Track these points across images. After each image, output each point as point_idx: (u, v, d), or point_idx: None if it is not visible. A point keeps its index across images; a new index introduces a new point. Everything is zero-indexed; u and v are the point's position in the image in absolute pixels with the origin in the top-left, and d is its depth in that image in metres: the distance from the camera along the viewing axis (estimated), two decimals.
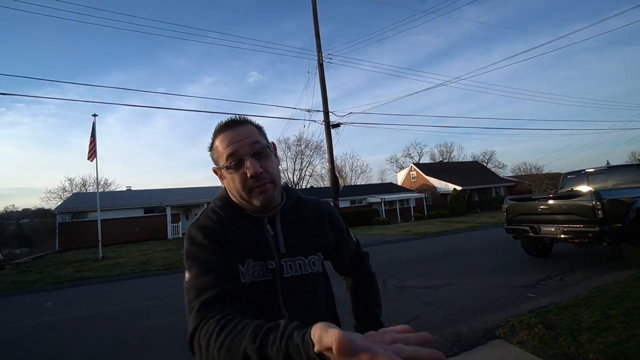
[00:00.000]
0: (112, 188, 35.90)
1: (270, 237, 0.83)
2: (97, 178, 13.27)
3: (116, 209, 20.83)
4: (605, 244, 5.27)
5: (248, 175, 0.78)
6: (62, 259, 13.37)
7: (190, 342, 0.66)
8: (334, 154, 12.77)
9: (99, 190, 17.78)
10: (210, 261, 0.76)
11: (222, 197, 0.90)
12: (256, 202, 0.80)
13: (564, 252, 6.97)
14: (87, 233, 18.84)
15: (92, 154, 12.10)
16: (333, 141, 12.62)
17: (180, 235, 20.79)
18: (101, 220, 13.12)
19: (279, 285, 0.80)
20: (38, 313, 5.49)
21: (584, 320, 3.24)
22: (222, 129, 0.83)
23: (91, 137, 12.14)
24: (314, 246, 0.90)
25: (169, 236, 20.68)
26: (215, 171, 0.88)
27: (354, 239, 1.08)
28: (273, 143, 0.88)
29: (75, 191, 31.06)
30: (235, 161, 0.79)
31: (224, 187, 0.90)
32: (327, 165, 14.93)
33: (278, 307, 0.79)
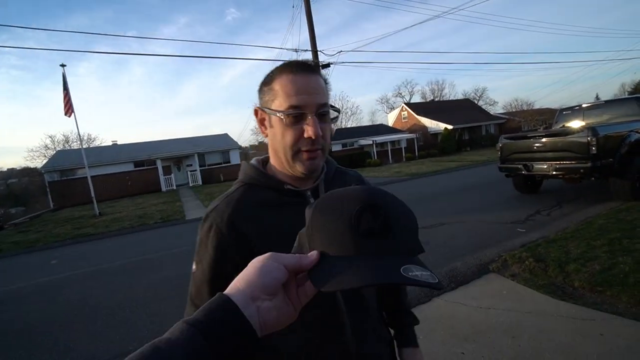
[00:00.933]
0: (97, 143, 34.77)
1: None
2: (79, 134, 12.67)
3: (105, 165, 20.42)
4: (593, 178, 5.43)
5: (305, 135, 0.68)
6: (59, 217, 13.43)
7: None
8: None
9: (84, 147, 17.17)
10: (213, 270, 0.69)
11: (252, 173, 0.76)
12: (300, 168, 0.71)
13: (552, 187, 7.22)
14: (79, 190, 18.65)
15: (69, 108, 11.36)
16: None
17: (174, 187, 20.83)
18: (91, 176, 12.88)
19: None
20: (46, 271, 5.63)
21: (571, 252, 3.45)
22: (291, 69, 0.69)
23: (64, 90, 11.27)
24: None
25: (163, 188, 20.70)
26: (257, 112, 0.74)
27: None
28: (334, 106, 0.76)
29: (59, 148, 30.01)
30: (297, 114, 0.67)
31: (247, 164, 0.79)
32: None
33: (332, 295, 0.71)
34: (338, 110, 0.74)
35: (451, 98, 44.86)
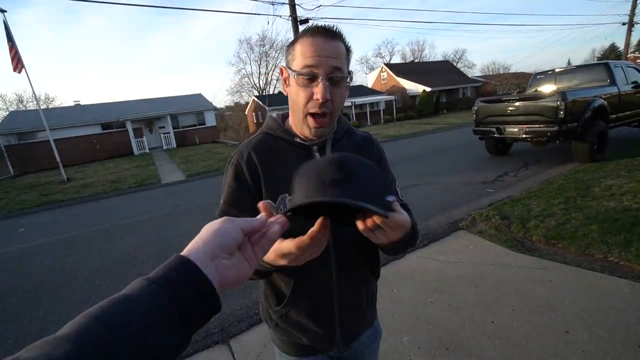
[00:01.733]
0: (56, 104, 32.07)
1: None
2: (34, 93, 11.56)
3: (68, 127, 18.98)
4: (558, 141, 5.73)
5: (314, 97, 0.72)
6: (22, 183, 12.67)
7: None
8: None
9: (42, 107, 15.78)
10: (232, 197, 0.80)
11: (271, 124, 0.87)
12: (307, 132, 0.79)
13: (521, 150, 7.56)
14: (42, 154, 17.44)
15: (17, 62, 10.19)
16: None
17: (147, 150, 19.96)
18: (54, 140, 12.00)
19: None
20: (14, 240, 5.43)
21: (533, 210, 3.73)
22: (312, 32, 0.73)
23: (8, 41, 10.01)
24: None
25: (135, 152, 19.79)
26: (282, 71, 0.79)
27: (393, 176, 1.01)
28: (350, 72, 0.78)
29: (12, 109, 27.49)
30: (310, 75, 0.72)
31: (270, 117, 0.89)
32: None
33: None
34: (351, 77, 0.78)
35: (431, 59, 44.29)
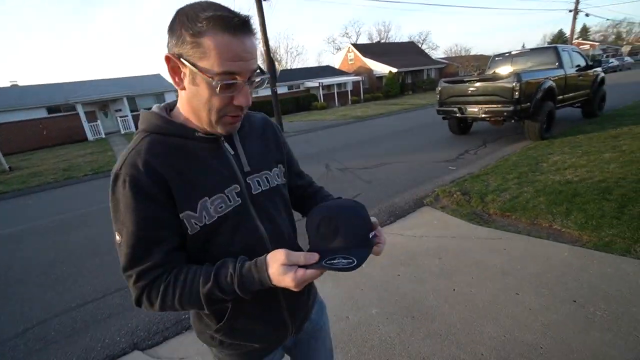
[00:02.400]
0: None
1: (231, 158, 0.74)
2: None
3: (6, 111, 17.03)
4: (513, 121, 6.10)
5: (235, 102, 0.66)
6: None
7: (138, 304, 0.68)
8: (267, 33, 11.31)
9: None
10: (144, 222, 0.64)
11: (157, 121, 0.70)
12: (221, 130, 0.69)
13: (480, 129, 7.97)
14: None
15: None
16: (266, 17, 10.97)
17: (103, 135, 18.55)
18: None
19: (250, 204, 0.75)
20: None
21: (490, 185, 3.99)
22: (228, 28, 0.59)
23: None
24: (274, 159, 0.86)
25: (89, 137, 18.31)
26: (168, 60, 0.64)
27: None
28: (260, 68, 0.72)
29: None
30: (230, 81, 0.62)
31: (150, 113, 0.72)
32: (259, 46, 13.39)
33: (255, 227, 0.76)
34: (267, 77, 0.70)
35: (397, 40, 44.59)
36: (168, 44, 0.64)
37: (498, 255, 2.54)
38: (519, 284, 2.16)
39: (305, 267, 0.63)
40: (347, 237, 0.67)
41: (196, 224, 0.68)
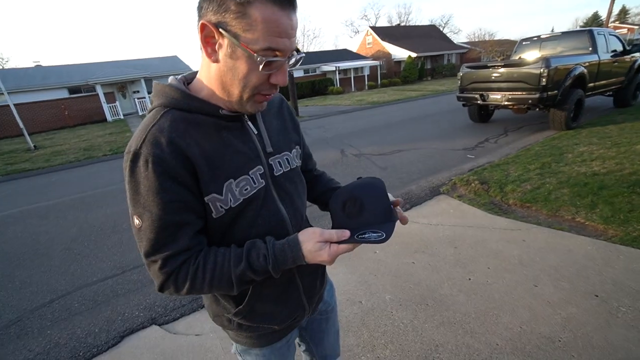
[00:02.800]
0: (12, 65, 29.29)
1: (255, 139, 0.72)
2: None
3: (30, 91, 17.50)
4: (538, 109, 5.83)
5: (272, 80, 0.62)
6: None
7: (162, 290, 0.65)
8: None
9: None
10: (171, 206, 0.60)
11: (177, 95, 0.64)
12: (250, 108, 0.66)
13: (501, 117, 7.68)
14: (2, 121, 16.24)
15: None
16: None
17: (121, 117, 18.93)
18: (15, 104, 11.13)
19: (272, 186, 0.74)
20: None
21: (510, 175, 3.86)
22: (279, 0, 0.56)
23: None
24: (293, 140, 0.84)
25: (108, 118, 18.73)
26: (203, 27, 0.58)
27: None
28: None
29: None
30: (274, 58, 0.59)
31: (168, 86, 0.66)
32: None
33: (277, 209, 0.74)
34: (303, 55, 0.67)
35: (417, 24, 43.02)
36: (203, 9, 0.58)
37: (516, 246, 2.47)
38: (538, 276, 2.11)
39: (338, 243, 0.66)
40: (373, 213, 0.71)
41: (222, 207, 0.66)
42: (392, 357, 1.65)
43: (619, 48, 6.73)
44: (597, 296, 1.87)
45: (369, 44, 31.65)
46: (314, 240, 0.65)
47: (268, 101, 0.77)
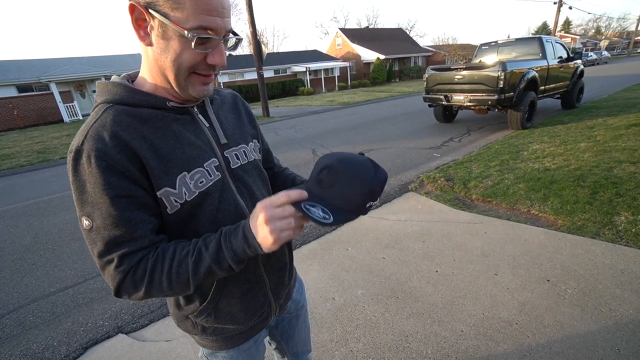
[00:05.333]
0: None
1: (206, 130, 0.71)
2: None
3: None
4: (497, 110, 6.22)
5: (209, 61, 0.61)
6: None
7: (118, 293, 0.61)
8: (254, 14, 10.94)
9: None
10: (119, 202, 0.57)
11: (120, 91, 0.64)
12: (192, 91, 0.64)
13: (465, 117, 8.09)
14: None
15: None
16: None
17: (80, 117, 17.74)
18: None
19: (229, 179, 0.73)
20: None
21: (473, 172, 4.09)
22: None
23: None
24: (250, 133, 0.84)
25: (66, 119, 17.48)
26: (132, 9, 0.57)
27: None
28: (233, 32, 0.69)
29: None
30: (206, 36, 0.58)
31: (111, 83, 0.65)
32: (246, 28, 12.97)
33: (235, 202, 0.73)
34: (241, 39, 0.67)
35: (385, 26, 44.16)
36: None
37: (479, 238, 2.63)
38: (498, 265, 2.26)
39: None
40: (340, 195, 0.62)
41: (176, 201, 0.64)
42: (364, 350, 1.70)
43: (565, 55, 7.36)
44: (548, 281, 2.04)
45: (338, 45, 32.04)
46: (260, 206, 0.59)
47: (216, 95, 0.79)
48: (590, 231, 2.53)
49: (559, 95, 7.68)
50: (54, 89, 17.17)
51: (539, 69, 6.32)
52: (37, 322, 2.21)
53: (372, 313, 1.94)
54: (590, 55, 31.05)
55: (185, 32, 0.56)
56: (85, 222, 0.58)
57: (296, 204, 0.59)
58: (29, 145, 10.41)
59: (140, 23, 0.59)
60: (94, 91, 18.86)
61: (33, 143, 10.90)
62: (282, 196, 0.58)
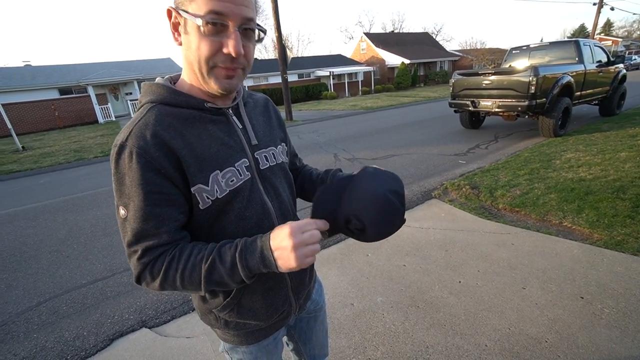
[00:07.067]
0: (0, 65, 28.76)
1: (239, 132, 0.74)
2: None
3: (19, 91, 17.19)
4: (527, 116, 5.97)
5: (224, 50, 0.61)
6: None
7: (139, 281, 0.65)
8: (280, 19, 11.16)
9: None
10: (153, 198, 0.61)
11: (163, 92, 0.68)
12: (215, 85, 0.65)
13: (492, 124, 7.82)
14: None
15: None
16: (279, 2, 10.81)
17: (113, 118, 18.73)
18: (3, 104, 10.96)
19: (258, 179, 0.75)
20: None
21: (500, 180, 3.93)
22: None
23: None
24: (279, 136, 0.86)
25: (100, 120, 18.51)
26: (170, 14, 0.63)
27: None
28: (264, 29, 0.70)
29: None
30: (217, 23, 0.59)
31: (154, 84, 0.69)
32: (271, 33, 13.24)
33: (262, 202, 0.75)
34: (264, 31, 0.67)
35: (411, 31, 43.68)
36: None
37: (506, 249, 2.52)
38: (526, 278, 2.15)
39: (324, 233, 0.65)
40: (373, 237, 0.70)
41: (208, 197, 0.66)
42: (383, 359, 1.66)
43: (604, 59, 6.95)
44: (582, 298, 1.92)
45: (363, 50, 32.01)
46: (286, 227, 0.61)
47: (249, 98, 0.82)
48: (631, 247, 2.36)
49: (596, 102, 7.27)
50: (91, 91, 18.24)
51: (574, 73, 6.01)
52: (70, 311, 2.33)
53: (392, 321, 1.90)
54: (635, 59, 29.18)
55: (197, 19, 0.58)
56: (122, 212, 0.63)
57: (331, 231, 0.66)
58: (67, 145, 11.09)
59: (176, 26, 0.64)
60: (127, 94, 20.02)
61: (71, 142, 11.60)
62: (311, 223, 0.62)
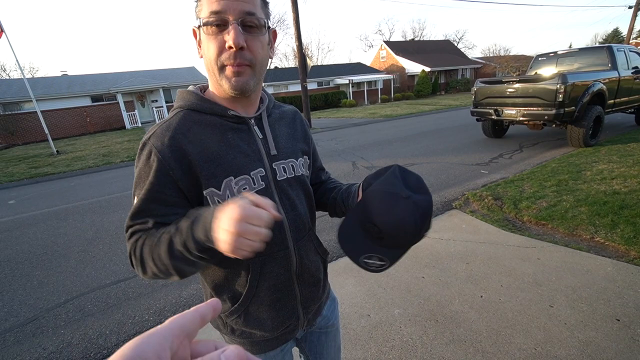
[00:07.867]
0: (42, 74, 30.87)
1: (259, 141, 0.74)
2: (17, 60, 11.06)
3: (56, 99, 18.32)
4: (554, 125, 5.73)
5: (226, 45, 0.63)
6: (10, 156, 12.39)
7: (132, 266, 0.69)
8: (301, 28, 11.35)
9: (27, 77, 15.15)
10: (153, 195, 0.66)
11: (192, 98, 0.73)
12: (226, 85, 0.66)
13: (516, 133, 7.57)
14: (29, 126, 17.04)
15: None
16: (300, 12, 11.02)
17: (139, 124, 19.54)
18: (42, 111, 11.66)
19: (274, 190, 0.75)
20: (4, 211, 5.37)
21: (525, 191, 3.78)
22: None
23: None
24: (301, 149, 0.86)
25: (128, 126, 19.37)
26: (195, 33, 0.69)
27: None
28: (274, 30, 0.72)
29: None
30: (217, 21, 0.62)
31: (185, 91, 0.75)
32: (292, 42, 13.45)
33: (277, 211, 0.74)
34: (268, 27, 0.68)
35: (432, 39, 43.31)
36: None
37: (531, 264, 2.40)
38: (554, 296, 2.04)
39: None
40: (391, 246, 0.67)
41: (219, 201, 0.68)
42: None
43: None
44: (618, 320, 1.79)
45: (382, 58, 31.98)
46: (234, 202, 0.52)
47: (276, 109, 0.83)
48: None
49: (632, 110, 6.89)
50: (120, 99, 19.14)
51: (607, 80, 5.73)
52: (94, 310, 2.42)
53: (409, 335, 1.84)
54: None
55: (202, 24, 0.63)
56: (134, 201, 0.69)
57: (354, 258, 0.66)
58: (97, 149, 11.64)
59: (199, 42, 0.69)
60: (153, 101, 20.86)
61: (100, 147, 12.18)
62: (268, 203, 0.52)
